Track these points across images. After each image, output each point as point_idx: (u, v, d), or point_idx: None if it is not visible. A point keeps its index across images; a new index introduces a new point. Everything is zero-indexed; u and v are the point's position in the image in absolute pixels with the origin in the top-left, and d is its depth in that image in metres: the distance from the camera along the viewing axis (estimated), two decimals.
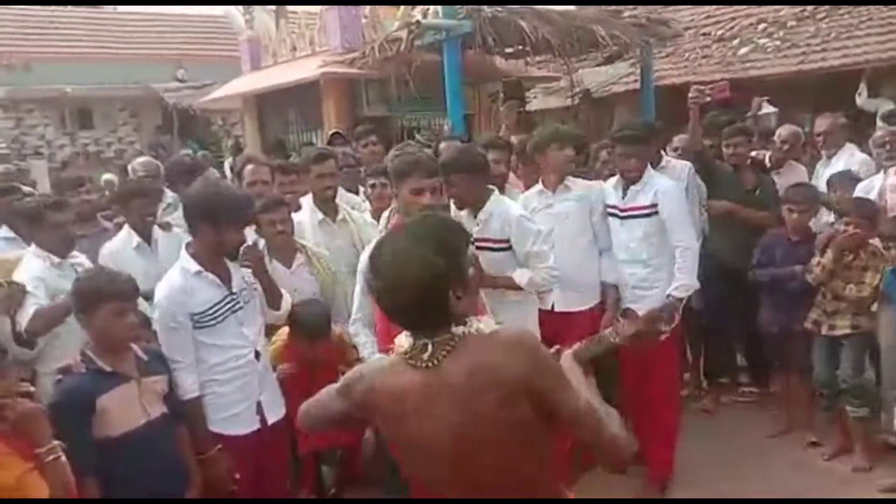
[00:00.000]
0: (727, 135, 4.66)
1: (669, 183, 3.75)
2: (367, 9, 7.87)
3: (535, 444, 1.55)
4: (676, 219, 3.57)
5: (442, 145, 4.65)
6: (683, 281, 3.51)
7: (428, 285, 1.49)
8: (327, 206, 3.80)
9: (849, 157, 4.71)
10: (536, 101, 10.06)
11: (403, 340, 1.59)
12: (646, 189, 3.62)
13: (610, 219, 3.72)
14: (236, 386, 2.72)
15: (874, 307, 3.75)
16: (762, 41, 9.46)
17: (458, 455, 1.52)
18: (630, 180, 3.66)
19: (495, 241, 3.13)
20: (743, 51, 9.47)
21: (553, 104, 9.88)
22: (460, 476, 1.55)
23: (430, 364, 1.51)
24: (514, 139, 4.76)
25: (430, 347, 1.53)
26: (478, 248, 2.92)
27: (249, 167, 4.05)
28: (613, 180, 3.77)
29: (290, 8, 11.44)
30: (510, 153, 4.13)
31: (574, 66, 9.08)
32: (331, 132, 6.75)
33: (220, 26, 16.47)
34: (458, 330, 1.54)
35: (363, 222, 3.81)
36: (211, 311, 2.66)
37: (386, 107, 7.91)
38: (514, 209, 3.21)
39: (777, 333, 4.09)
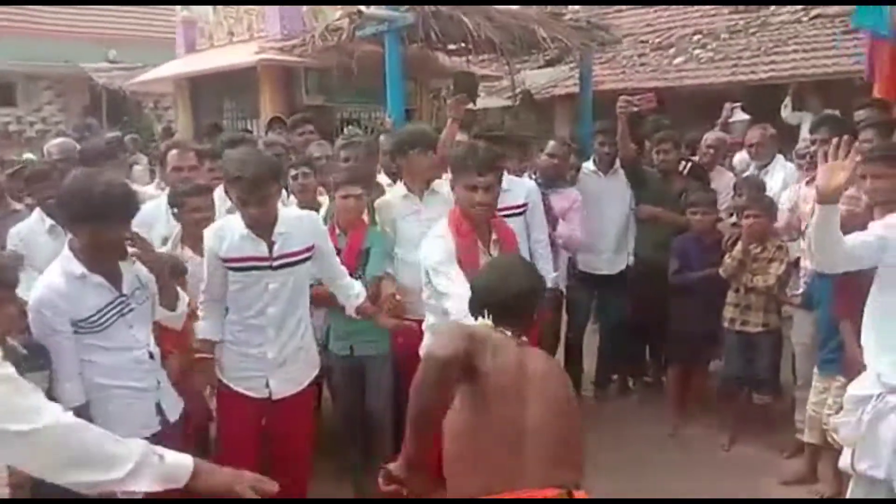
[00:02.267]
0: (656, 141, 4.80)
1: (531, 183, 3.96)
2: None
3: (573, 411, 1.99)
4: (539, 216, 3.73)
5: (381, 139, 4.60)
6: (550, 273, 3.65)
7: (533, 293, 2.14)
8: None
9: (782, 168, 4.89)
10: (477, 100, 10.09)
11: (482, 322, 2.08)
12: (514, 189, 3.61)
13: None
14: (132, 388, 2.55)
15: (784, 309, 4.04)
16: (696, 51, 9.76)
17: (536, 395, 1.89)
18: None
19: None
20: (678, 60, 9.76)
21: (493, 103, 9.93)
22: (530, 409, 1.87)
23: (520, 343, 2.01)
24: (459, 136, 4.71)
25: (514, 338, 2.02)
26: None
27: (174, 152, 3.84)
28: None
29: None
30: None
31: (516, 66, 9.14)
32: (270, 117, 6.60)
33: (154, 6, 15.92)
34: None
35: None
36: (97, 317, 2.46)
37: (325, 97, 7.78)
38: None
39: (696, 332, 4.25)
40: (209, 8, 9.45)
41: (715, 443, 4.18)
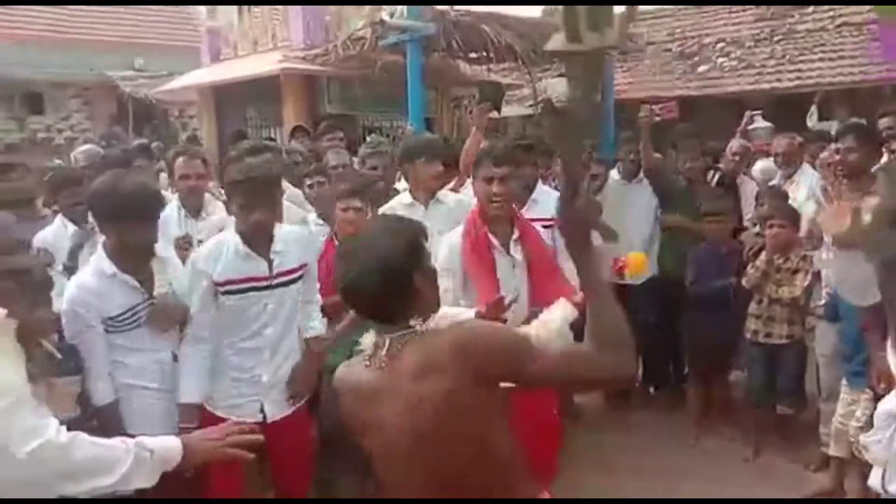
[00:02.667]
0: (683, 150, 4.76)
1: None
2: (331, 6, 7.80)
3: (487, 446, 1.51)
4: None
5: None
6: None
7: (392, 272, 1.51)
8: None
9: (808, 178, 4.82)
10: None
11: (367, 338, 1.60)
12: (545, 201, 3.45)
13: None
14: (155, 389, 2.60)
15: (809, 320, 3.94)
16: (720, 60, 9.69)
17: (411, 459, 1.50)
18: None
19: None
20: (702, 68, 9.68)
21: (514, 112, 9.93)
22: (417, 480, 1.52)
23: (381, 365, 1.52)
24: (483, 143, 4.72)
25: (386, 344, 1.53)
26: None
27: (180, 160, 3.74)
28: None
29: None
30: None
31: (537, 74, 9.14)
32: (293, 126, 6.67)
33: (180, 15, 16.16)
34: (418, 325, 1.54)
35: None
36: (125, 316, 2.53)
37: (347, 106, 7.84)
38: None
39: (714, 342, 4.21)
40: (234, 17, 9.57)
41: (738, 455, 4.12)
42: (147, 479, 1.59)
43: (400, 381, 1.49)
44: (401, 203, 3.56)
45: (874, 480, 2.42)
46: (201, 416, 2.62)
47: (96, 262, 2.59)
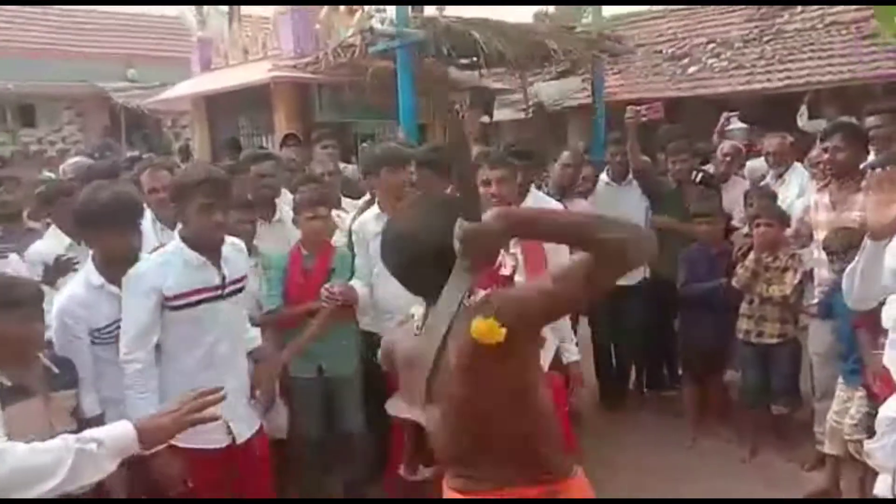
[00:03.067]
0: (671, 151, 4.78)
1: (556, 204, 3.70)
2: (321, 14, 7.80)
3: (528, 390, 1.62)
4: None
5: None
6: None
7: (437, 249, 1.54)
8: (266, 206, 3.78)
9: (799, 177, 4.84)
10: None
11: (415, 309, 1.73)
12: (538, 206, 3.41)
13: None
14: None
15: (801, 319, 3.96)
16: (710, 61, 9.72)
17: (459, 418, 1.60)
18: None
19: None
20: (692, 69, 9.71)
21: (507, 116, 9.94)
22: (463, 423, 1.61)
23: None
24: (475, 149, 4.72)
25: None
26: None
27: (146, 173, 3.70)
28: None
29: (244, 10, 11.26)
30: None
31: (528, 79, 9.16)
32: (285, 133, 6.66)
33: (171, 25, 16.14)
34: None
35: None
36: (112, 328, 2.52)
37: (339, 113, 7.82)
38: None
39: (707, 343, 4.22)
40: (225, 27, 9.58)
41: (734, 455, 4.12)
42: (100, 471, 1.56)
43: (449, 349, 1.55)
44: (370, 215, 3.51)
45: (881, 488, 2.39)
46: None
47: (85, 274, 2.60)
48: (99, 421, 2.45)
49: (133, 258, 2.61)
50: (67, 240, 3.45)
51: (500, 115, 10.11)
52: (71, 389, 2.39)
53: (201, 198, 2.51)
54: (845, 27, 8.96)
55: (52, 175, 7.50)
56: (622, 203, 4.68)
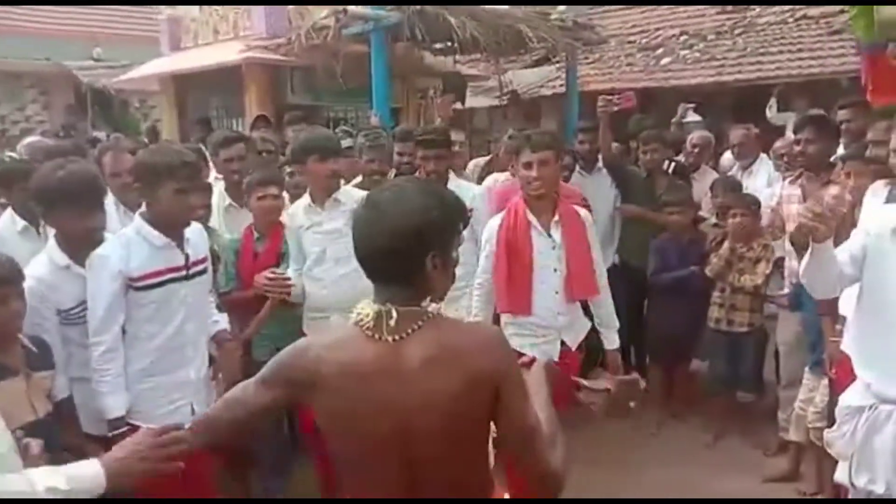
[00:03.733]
0: (644, 140, 4.81)
1: (479, 188, 3.89)
2: None
3: (476, 443, 1.51)
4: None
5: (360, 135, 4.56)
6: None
7: (414, 230, 1.41)
8: (236, 190, 3.72)
9: (767, 168, 4.90)
10: (465, 100, 10.09)
11: (366, 307, 1.47)
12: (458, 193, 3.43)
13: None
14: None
15: (768, 308, 4.05)
16: (683, 52, 9.78)
17: (398, 441, 1.42)
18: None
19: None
20: (665, 60, 9.77)
21: (481, 103, 9.92)
22: (393, 464, 1.45)
23: (392, 338, 1.42)
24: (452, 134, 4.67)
25: (394, 316, 1.43)
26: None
27: (107, 157, 3.59)
28: None
29: None
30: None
31: (503, 66, 9.13)
32: (255, 116, 6.57)
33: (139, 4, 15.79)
34: (429, 307, 1.48)
35: None
36: (78, 309, 2.49)
37: (312, 96, 7.73)
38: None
39: (676, 332, 4.26)
40: (195, 6, 9.38)
41: (698, 441, 4.18)
42: None
43: (413, 363, 1.41)
44: (300, 206, 3.36)
45: (841, 475, 2.44)
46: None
47: (49, 254, 2.53)
48: (69, 403, 2.46)
49: (97, 238, 2.56)
50: (22, 223, 3.34)
51: (475, 101, 10.07)
52: (49, 370, 2.36)
53: (176, 182, 2.49)
54: (815, 21, 9.08)
55: (14, 155, 7.30)
56: (592, 192, 4.69)
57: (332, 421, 1.50)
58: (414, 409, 1.41)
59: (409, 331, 1.43)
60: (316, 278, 3.25)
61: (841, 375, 2.96)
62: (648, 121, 5.26)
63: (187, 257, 2.61)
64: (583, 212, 3.29)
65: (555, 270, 3.11)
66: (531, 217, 3.12)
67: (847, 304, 2.58)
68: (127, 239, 2.54)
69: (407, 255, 1.43)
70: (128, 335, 2.53)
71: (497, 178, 4.37)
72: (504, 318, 3.25)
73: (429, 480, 1.46)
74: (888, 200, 2.84)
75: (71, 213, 2.48)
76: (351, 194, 3.28)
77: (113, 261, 2.47)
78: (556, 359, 3.06)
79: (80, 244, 2.52)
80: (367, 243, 1.46)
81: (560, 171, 3.42)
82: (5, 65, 13.93)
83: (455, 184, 3.82)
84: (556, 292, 3.14)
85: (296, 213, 3.36)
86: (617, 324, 3.33)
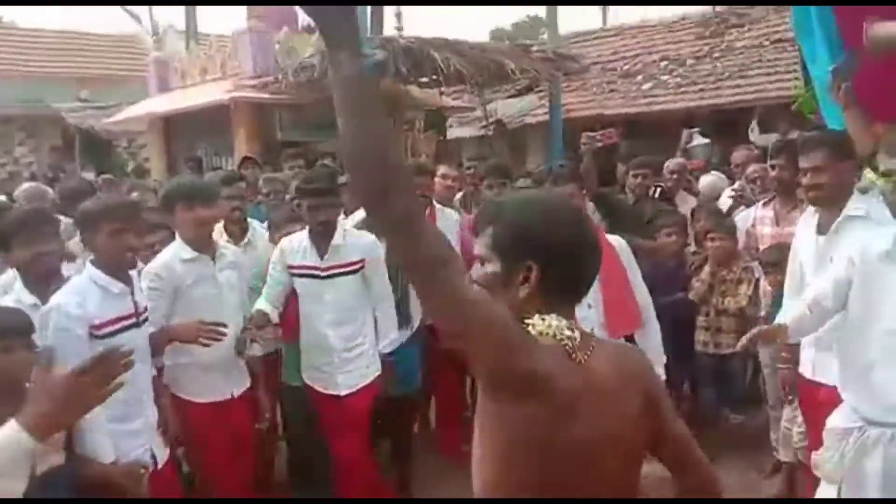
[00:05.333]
0: (634, 166, 4.89)
1: (371, 237, 3.38)
2: (280, 35, 7.81)
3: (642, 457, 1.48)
4: (380, 273, 3.39)
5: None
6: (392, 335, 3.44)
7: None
8: (234, 227, 3.81)
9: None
10: (451, 131, 10.22)
11: (555, 323, 1.31)
12: (349, 244, 3.30)
13: (304, 281, 3.30)
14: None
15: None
16: (664, 77, 9.98)
17: (603, 459, 1.33)
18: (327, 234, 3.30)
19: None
20: (646, 86, 9.95)
21: (467, 133, 10.05)
22: (592, 482, 1.34)
23: (583, 360, 1.31)
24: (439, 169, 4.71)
25: (578, 338, 1.32)
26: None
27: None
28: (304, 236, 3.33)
29: (202, 29, 11.23)
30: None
31: (487, 97, 9.28)
32: (243, 157, 6.64)
33: (126, 45, 15.96)
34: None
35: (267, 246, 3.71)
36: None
37: (300, 132, 7.82)
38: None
39: (670, 357, 4.30)
40: (182, 46, 9.52)
41: None
42: None
43: (605, 378, 1.33)
44: (176, 258, 3.02)
45: (824, 495, 2.44)
46: None
47: (16, 295, 2.56)
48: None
49: (51, 273, 2.63)
50: None
51: (461, 132, 10.22)
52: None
53: (112, 223, 2.53)
54: (791, 44, 9.28)
55: (3, 198, 7.33)
56: None
57: (548, 439, 1.31)
58: (617, 428, 1.34)
59: (589, 352, 1.34)
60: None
61: (803, 398, 3.08)
62: (637, 147, 5.35)
63: (136, 304, 2.65)
64: (615, 239, 3.10)
65: (589, 307, 2.74)
66: None
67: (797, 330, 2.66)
68: (82, 286, 2.54)
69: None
70: None
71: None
72: None
73: (612, 491, 1.38)
74: (818, 231, 2.88)
75: (21, 250, 2.57)
76: (230, 248, 3.26)
77: (72, 309, 2.45)
78: None
79: (38, 282, 2.57)
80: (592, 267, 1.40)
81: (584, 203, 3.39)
82: None
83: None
84: (593, 329, 2.88)
85: (171, 264, 2.99)
86: (663, 358, 3.11)
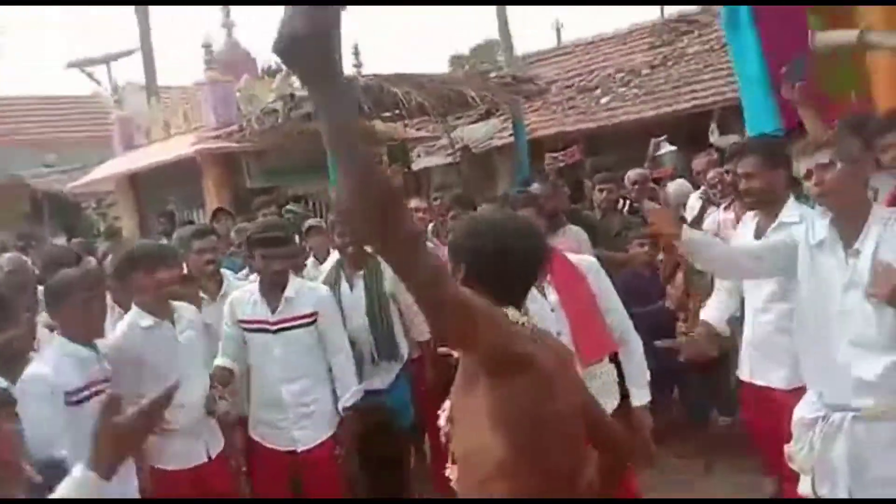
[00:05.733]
0: (598, 181, 4.96)
1: (324, 289, 3.42)
2: (240, 83, 7.88)
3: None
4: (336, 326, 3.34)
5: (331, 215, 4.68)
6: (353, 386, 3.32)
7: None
8: (209, 282, 3.74)
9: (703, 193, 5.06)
10: (419, 161, 10.31)
11: (514, 314, 1.59)
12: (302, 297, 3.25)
13: (254, 335, 3.23)
14: None
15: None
16: (621, 89, 10.16)
17: (574, 429, 1.60)
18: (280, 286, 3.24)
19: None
20: (605, 99, 10.13)
21: (435, 162, 10.14)
22: (569, 449, 1.58)
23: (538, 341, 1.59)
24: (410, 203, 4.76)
25: (530, 326, 1.62)
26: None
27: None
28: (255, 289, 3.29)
29: (162, 84, 11.26)
30: None
31: (451, 124, 9.39)
32: (215, 209, 6.65)
33: (87, 107, 15.94)
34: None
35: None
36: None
37: (269, 178, 7.86)
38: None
39: (654, 365, 4.34)
40: (144, 104, 9.54)
41: (692, 470, 4.21)
42: None
43: (562, 367, 1.62)
44: (138, 326, 2.94)
45: (804, 488, 2.48)
46: None
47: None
48: None
49: (19, 354, 2.63)
50: None
51: (429, 161, 10.31)
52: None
53: (78, 293, 2.59)
54: None
55: None
56: None
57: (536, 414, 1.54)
58: (581, 402, 1.66)
59: (539, 340, 1.61)
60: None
61: (745, 396, 3.21)
62: (602, 162, 5.42)
63: (105, 370, 2.68)
64: (581, 260, 2.98)
65: (559, 334, 2.61)
66: None
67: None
68: (53, 357, 2.59)
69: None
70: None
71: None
72: None
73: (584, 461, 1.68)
74: (756, 235, 2.94)
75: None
76: (188, 308, 3.15)
77: (48, 379, 2.47)
78: None
79: (6, 360, 2.54)
80: (525, 262, 1.67)
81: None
82: None
83: (295, 285, 3.53)
84: None
85: (133, 336, 2.93)
86: (646, 379, 2.99)
